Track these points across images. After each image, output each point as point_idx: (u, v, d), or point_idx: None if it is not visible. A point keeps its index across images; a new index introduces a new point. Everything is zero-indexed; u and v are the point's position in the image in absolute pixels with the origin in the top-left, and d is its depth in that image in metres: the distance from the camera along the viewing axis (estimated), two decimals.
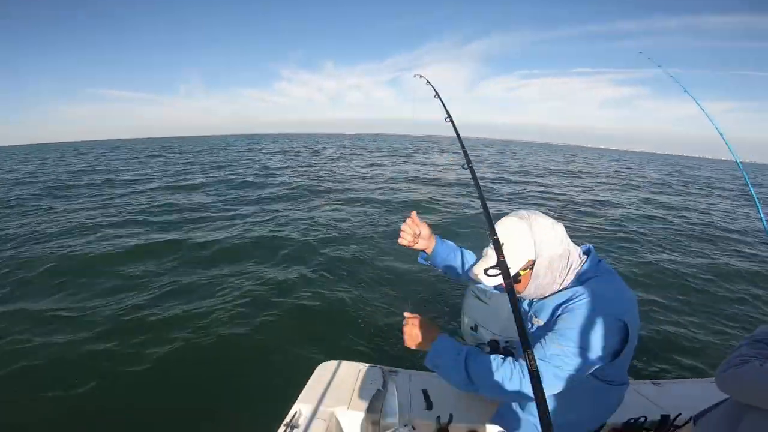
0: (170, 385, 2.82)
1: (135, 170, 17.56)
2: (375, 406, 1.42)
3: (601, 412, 1.22)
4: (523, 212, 1.10)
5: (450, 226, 7.42)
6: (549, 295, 1.10)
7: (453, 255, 1.35)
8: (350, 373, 1.63)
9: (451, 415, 1.37)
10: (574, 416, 1.13)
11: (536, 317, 1.13)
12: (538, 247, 1.04)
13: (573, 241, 1.13)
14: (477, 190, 1.17)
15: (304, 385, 1.55)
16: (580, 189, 14.05)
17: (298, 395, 1.48)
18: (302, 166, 18.25)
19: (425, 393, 1.50)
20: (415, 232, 1.29)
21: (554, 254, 1.05)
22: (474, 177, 1.25)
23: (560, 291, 1.08)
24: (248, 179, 13.40)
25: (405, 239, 1.30)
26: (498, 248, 0.92)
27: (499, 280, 1.04)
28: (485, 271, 1.07)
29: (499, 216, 1.11)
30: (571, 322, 0.97)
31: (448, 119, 1.58)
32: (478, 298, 2.51)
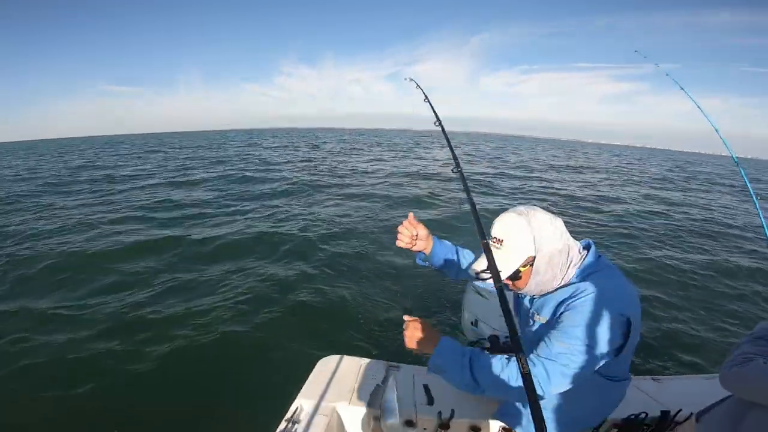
0: (171, 382, 2.82)
1: (134, 166, 17.49)
2: (376, 401, 1.42)
3: (604, 407, 1.22)
4: (522, 208, 1.09)
5: (450, 220, 7.43)
6: (550, 292, 1.10)
7: (451, 255, 1.34)
8: (351, 368, 1.62)
9: (452, 411, 1.37)
10: (579, 412, 1.14)
11: (538, 314, 1.12)
12: (537, 243, 1.03)
13: (573, 237, 1.12)
14: (467, 194, 1.16)
15: (305, 380, 1.54)
16: (580, 184, 13.99)
17: (299, 391, 1.47)
18: (302, 161, 18.16)
19: (426, 388, 1.50)
20: (413, 234, 1.28)
21: (554, 249, 1.04)
22: (463, 182, 1.24)
23: (562, 287, 1.08)
24: (248, 174, 13.35)
25: (403, 241, 1.28)
26: (488, 253, 0.92)
27: None
28: (481, 272, 1.07)
29: (498, 212, 1.10)
30: (575, 320, 0.97)
31: (437, 123, 1.57)
32: (479, 294, 2.52)
